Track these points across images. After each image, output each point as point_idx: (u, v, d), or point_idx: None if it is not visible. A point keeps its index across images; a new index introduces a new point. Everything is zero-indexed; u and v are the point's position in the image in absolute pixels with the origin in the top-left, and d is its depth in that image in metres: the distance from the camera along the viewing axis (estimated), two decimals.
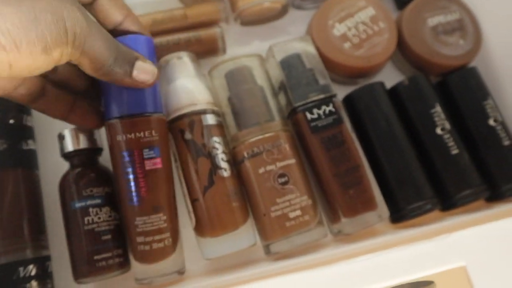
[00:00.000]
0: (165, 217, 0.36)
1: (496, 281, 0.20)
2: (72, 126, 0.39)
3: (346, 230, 0.38)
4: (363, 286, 0.19)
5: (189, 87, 0.39)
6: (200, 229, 0.37)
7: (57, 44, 0.26)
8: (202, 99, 0.39)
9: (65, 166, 0.41)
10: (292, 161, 0.38)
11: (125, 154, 0.35)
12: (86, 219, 0.37)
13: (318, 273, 0.20)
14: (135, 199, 0.35)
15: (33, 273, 0.38)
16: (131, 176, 0.35)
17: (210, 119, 0.38)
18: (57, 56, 0.27)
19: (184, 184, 0.38)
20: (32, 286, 0.37)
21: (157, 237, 0.35)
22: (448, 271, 0.19)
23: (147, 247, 0.35)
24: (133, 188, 0.35)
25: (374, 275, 0.19)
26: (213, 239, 0.37)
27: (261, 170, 0.38)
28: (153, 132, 0.35)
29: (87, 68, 0.30)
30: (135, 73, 0.32)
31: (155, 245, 0.35)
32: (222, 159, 0.38)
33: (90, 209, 0.37)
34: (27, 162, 0.41)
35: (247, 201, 0.39)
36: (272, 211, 0.37)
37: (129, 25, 0.35)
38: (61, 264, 0.41)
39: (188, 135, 0.38)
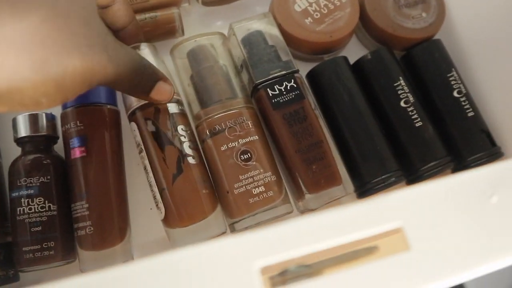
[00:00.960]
0: (87, 205, 0.36)
1: (433, 241, 0.19)
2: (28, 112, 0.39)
3: (310, 205, 0.38)
4: (302, 248, 0.19)
5: None
6: (168, 220, 0.37)
7: (78, 93, 0.28)
8: None
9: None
10: (254, 137, 0.38)
11: (64, 143, 0.38)
12: (18, 209, 0.37)
13: (234, 241, 0.19)
14: (69, 186, 0.38)
15: None
16: (67, 165, 0.38)
17: (174, 108, 0.38)
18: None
19: (150, 174, 0.37)
20: None
21: (80, 225, 0.36)
22: (386, 234, 0.19)
23: (75, 233, 0.37)
24: (68, 177, 0.38)
25: (311, 236, 0.19)
26: (183, 229, 0.36)
27: (223, 148, 0.37)
28: (78, 122, 0.37)
29: (108, 85, 0.31)
30: (153, 93, 0.34)
31: (79, 232, 0.36)
32: (189, 146, 0.37)
33: (23, 200, 0.37)
34: None
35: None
36: (236, 188, 0.37)
37: (131, 28, 0.36)
38: None
39: (153, 124, 0.37)
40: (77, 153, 0.37)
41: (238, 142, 0.38)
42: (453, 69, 0.44)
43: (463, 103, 0.43)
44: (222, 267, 0.19)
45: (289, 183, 0.40)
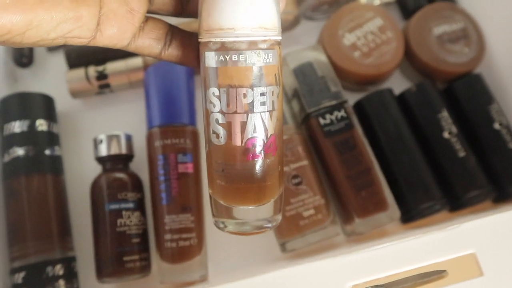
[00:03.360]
0: (192, 218, 0.38)
1: (505, 267, 0.21)
2: (107, 132, 0.42)
3: (358, 230, 0.40)
4: (376, 274, 0.21)
5: None
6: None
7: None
8: None
9: (90, 171, 0.43)
10: (305, 162, 0.40)
11: (161, 157, 0.40)
12: (119, 221, 0.39)
13: (329, 263, 0.22)
14: (166, 198, 0.39)
15: (60, 272, 0.40)
16: (163, 178, 0.40)
17: (232, 56, 0.26)
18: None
19: None
20: (60, 285, 0.39)
21: (184, 236, 0.38)
22: (458, 259, 0.21)
23: (173, 244, 0.38)
24: (165, 189, 0.39)
25: (386, 264, 0.21)
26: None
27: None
28: (187, 140, 0.40)
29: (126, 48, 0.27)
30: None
31: (181, 243, 0.38)
32: (217, 120, 0.30)
33: (123, 212, 0.40)
34: (54, 168, 0.43)
35: None
36: (287, 211, 0.39)
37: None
38: (84, 265, 0.42)
39: None
40: (184, 168, 0.40)
41: (290, 167, 0.40)
42: (494, 102, 0.46)
43: (504, 135, 0.45)
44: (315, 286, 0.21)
45: (338, 207, 0.42)
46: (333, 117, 0.41)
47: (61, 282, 0.40)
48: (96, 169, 0.43)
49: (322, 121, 0.41)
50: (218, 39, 0.24)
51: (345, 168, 0.40)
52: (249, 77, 0.24)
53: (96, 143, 0.42)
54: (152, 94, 0.42)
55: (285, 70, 0.45)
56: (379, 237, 0.42)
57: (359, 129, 0.42)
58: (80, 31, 0.23)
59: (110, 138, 0.42)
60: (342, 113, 0.42)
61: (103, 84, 0.46)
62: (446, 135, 0.44)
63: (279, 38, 0.25)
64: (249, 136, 0.25)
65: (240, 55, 0.24)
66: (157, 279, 0.40)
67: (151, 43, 0.27)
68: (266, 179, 0.26)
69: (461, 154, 0.43)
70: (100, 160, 0.42)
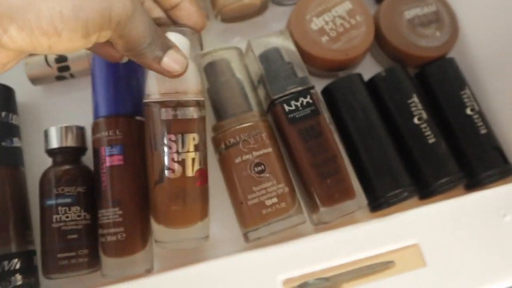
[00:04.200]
0: (120, 212, 0.37)
1: (448, 258, 0.20)
2: (59, 124, 0.41)
3: (324, 218, 0.39)
4: (318, 264, 0.20)
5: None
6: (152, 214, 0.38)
7: (97, 30, 0.27)
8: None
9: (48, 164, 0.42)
10: (268, 150, 0.39)
11: (94, 150, 0.39)
12: (54, 217, 0.38)
13: (259, 255, 0.20)
14: (97, 193, 0.38)
15: (17, 266, 0.38)
16: (97, 171, 0.38)
17: (164, 114, 0.36)
18: (95, 39, 0.28)
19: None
20: (17, 279, 0.38)
21: (112, 230, 0.37)
22: (402, 250, 0.20)
23: (103, 239, 0.37)
24: (98, 183, 0.38)
25: (327, 253, 0.20)
26: (162, 228, 0.37)
27: (238, 160, 0.38)
28: (117, 131, 0.38)
29: (120, 48, 0.31)
30: (165, 60, 0.32)
31: (109, 238, 0.37)
32: (173, 159, 0.36)
33: (59, 208, 0.38)
34: (12, 160, 0.42)
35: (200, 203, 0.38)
36: (249, 199, 0.38)
37: (186, 5, 0.37)
38: None
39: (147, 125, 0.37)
40: (113, 161, 0.38)
41: (252, 155, 0.39)
42: (466, 87, 0.45)
43: (476, 120, 0.44)
44: (246, 280, 0.20)
45: (303, 196, 0.41)
46: (298, 103, 0.40)
47: (18, 277, 0.38)
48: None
49: (286, 107, 0.40)
50: (174, 99, 0.36)
51: (310, 156, 0.39)
52: (194, 126, 0.36)
53: (46, 135, 0.40)
54: (93, 84, 0.41)
55: (250, 57, 0.43)
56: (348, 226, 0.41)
57: (325, 116, 0.41)
58: None
59: (60, 130, 0.40)
60: (307, 100, 0.40)
61: (63, 66, 0.45)
62: (416, 121, 0.43)
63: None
64: (197, 168, 0.36)
65: (188, 111, 0.36)
66: None
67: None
68: (207, 200, 0.38)
69: (431, 140, 0.42)
70: (50, 153, 0.41)
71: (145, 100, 0.37)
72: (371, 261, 0.19)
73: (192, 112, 0.36)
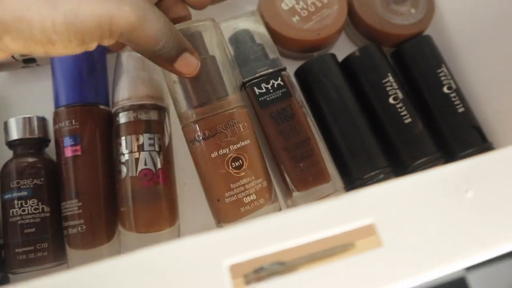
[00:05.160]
0: (79, 204, 0.36)
1: (406, 237, 0.19)
2: (19, 115, 0.39)
3: (298, 203, 0.38)
4: (274, 245, 0.19)
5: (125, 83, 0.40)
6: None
7: (95, 40, 0.27)
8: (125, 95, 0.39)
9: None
10: (246, 142, 0.36)
11: (54, 142, 0.38)
12: (11, 211, 0.37)
13: (201, 240, 0.19)
14: (59, 184, 0.38)
15: None
16: (57, 163, 0.38)
17: (122, 117, 0.38)
18: (96, 45, 0.28)
19: None
20: None
21: (71, 223, 0.36)
22: (358, 230, 0.19)
23: (65, 232, 0.37)
24: (59, 175, 0.38)
25: (283, 233, 0.19)
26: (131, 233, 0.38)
27: (214, 155, 0.35)
28: (73, 121, 0.37)
29: (132, 47, 0.30)
30: (178, 63, 0.32)
31: (70, 231, 0.36)
32: (120, 161, 0.37)
33: (15, 201, 0.37)
34: None
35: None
36: (227, 197, 0.35)
37: None
38: None
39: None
40: (70, 151, 0.37)
41: (230, 149, 0.35)
42: (443, 65, 0.44)
43: (453, 99, 0.43)
44: (190, 267, 0.19)
45: (278, 181, 0.40)
46: (269, 86, 0.39)
47: None
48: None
49: (257, 90, 0.39)
50: (127, 103, 0.38)
51: (282, 139, 0.38)
52: (141, 127, 0.38)
53: (6, 126, 0.39)
54: (53, 73, 0.40)
55: (222, 40, 0.42)
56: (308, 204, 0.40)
57: (298, 98, 0.39)
58: None
59: (20, 121, 0.39)
60: (278, 82, 0.39)
61: (29, 59, 0.43)
62: (391, 100, 0.41)
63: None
64: (142, 168, 0.37)
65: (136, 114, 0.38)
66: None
67: None
68: (168, 202, 0.38)
69: (407, 120, 0.41)
70: (10, 144, 0.40)
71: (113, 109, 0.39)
72: (327, 242, 0.18)
73: (145, 115, 0.38)
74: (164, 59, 0.31)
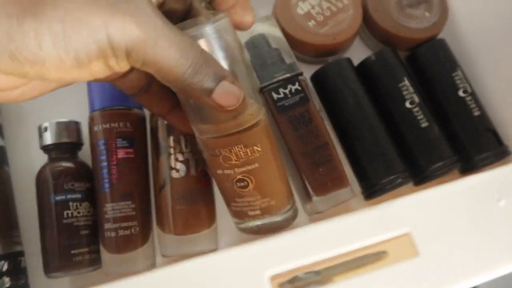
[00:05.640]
0: (133, 205, 0.36)
1: (441, 246, 0.19)
2: (53, 119, 0.40)
3: (318, 208, 0.38)
4: (307, 258, 0.19)
5: None
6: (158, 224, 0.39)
7: (94, 58, 0.22)
8: None
9: (37, 161, 0.41)
10: (254, 166, 0.32)
11: (100, 143, 0.38)
12: (65, 212, 0.37)
13: (244, 251, 0.19)
14: (107, 186, 0.37)
15: (4, 268, 0.37)
16: (104, 164, 0.37)
17: None
18: (99, 69, 0.24)
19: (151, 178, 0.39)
20: (4, 282, 0.37)
21: (124, 224, 0.36)
22: (394, 239, 0.19)
23: (113, 234, 0.36)
24: (105, 176, 0.37)
25: (316, 246, 0.19)
26: (170, 236, 0.38)
27: (219, 172, 0.32)
28: (128, 124, 0.38)
29: (158, 78, 0.25)
30: (216, 93, 0.26)
31: (121, 232, 0.36)
32: (177, 159, 0.37)
33: (70, 203, 0.37)
34: None
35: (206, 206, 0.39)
36: (233, 206, 0.35)
37: None
38: (38, 260, 0.40)
39: (152, 131, 0.38)
40: (124, 153, 0.38)
41: (234, 171, 0.32)
42: (458, 68, 0.44)
43: (468, 102, 0.43)
44: (233, 276, 0.19)
45: (297, 186, 0.40)
46: (286, 90, 0.39)
47: (6, 279, 0.37)
48: (43, 158, 0.41)
49: (275, 95, 0.39)
50: None
51: (301, 145, 0.38)
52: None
53: (41, 131, 0.39)
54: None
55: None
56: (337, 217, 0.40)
57: (315, 102, 0.40)
58: None
59: (55, 125, 0.39)
60: (296, 86, 0.39)
61: None
62: (408, 105, 0.42)
63: None
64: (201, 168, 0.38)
65: None
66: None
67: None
68: (212, 204, 0.39)
69: (424, 124, 0.41)
70: (45, 149, 0.40)
71: None
72: (363, 252, 0.18)
73: None
74: (199, 90, 0.25)
